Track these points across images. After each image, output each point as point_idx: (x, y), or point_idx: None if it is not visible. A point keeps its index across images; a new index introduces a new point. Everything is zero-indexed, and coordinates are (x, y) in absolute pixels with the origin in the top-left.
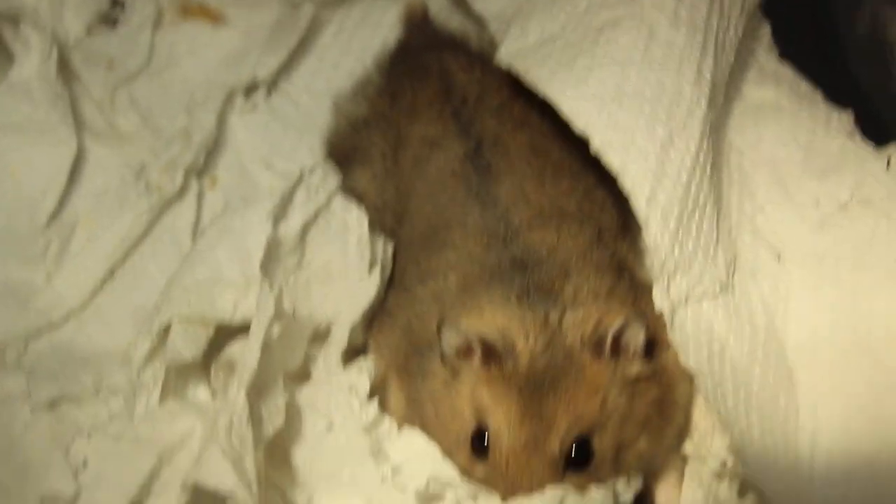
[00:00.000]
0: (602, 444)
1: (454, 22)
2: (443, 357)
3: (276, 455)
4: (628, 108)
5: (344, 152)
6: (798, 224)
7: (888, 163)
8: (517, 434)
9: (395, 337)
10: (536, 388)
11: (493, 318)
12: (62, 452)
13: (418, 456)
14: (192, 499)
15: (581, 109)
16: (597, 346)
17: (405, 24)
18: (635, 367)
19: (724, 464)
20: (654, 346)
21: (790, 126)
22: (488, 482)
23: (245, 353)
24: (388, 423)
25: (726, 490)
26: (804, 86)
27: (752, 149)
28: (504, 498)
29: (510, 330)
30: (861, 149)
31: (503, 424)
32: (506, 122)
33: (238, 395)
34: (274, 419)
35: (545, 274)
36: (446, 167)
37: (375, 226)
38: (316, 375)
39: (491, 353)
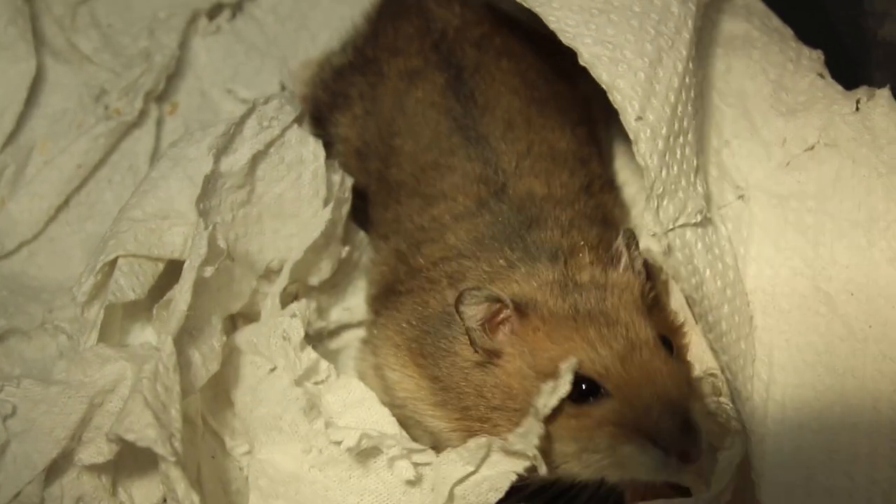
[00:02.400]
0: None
1: None
2: (471, 339)
3: (218, 399)
4: (616, 22)
5: (326, 102)
6: (763, 162)
7: (857, 105)
8: (616, 344)
9: (405, 314)
10: (587, 308)
11: (504, 289)
12: None
13: (356, 406)
14: (126, 446)
15: (568, 21)
16: (615, 260)
17: None
18: (648, 286)
19: (716, 389)
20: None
21: (760, 59)
22: (623, 408)
23: (175, 297)
24: (326, 371)
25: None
26: (775, 21)
27: (720, 79)
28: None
29: (524, 291)
30: (830, 89)
31: (597, 347)
32: (488, 50)
33: (165, 341)
34: (209, 364)
35: (540, 231)
36: (426, 99)
37: (342, 165)
38: (263, 316)
39: (520, 307)
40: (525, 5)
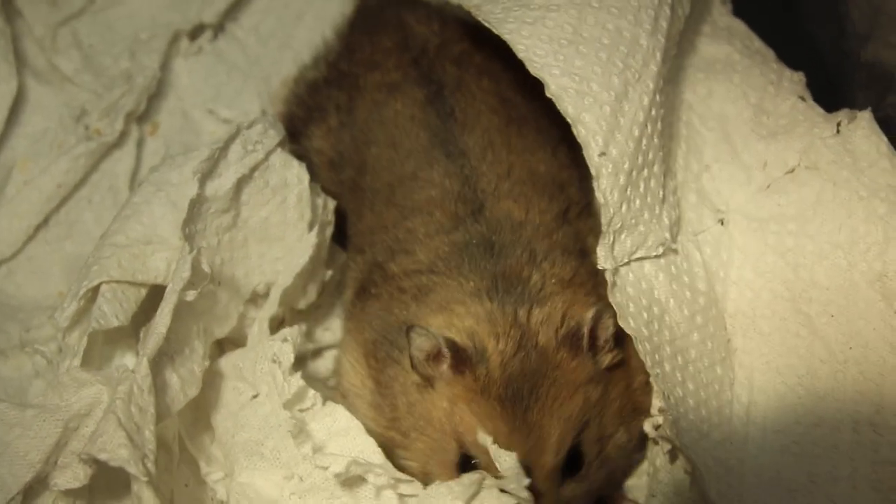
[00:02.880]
0: (588, 445)
1: None
2: (413, 363)
3: (198, 423)
4: (585, 54)
5: (301, 117)
6: (744, 185)
7: (838, 128)
8: (525, 446)
9: (370, 317)
10: (517, 399)
11: (462, 320)
12: None
13: (341, 435)
14: (101, 471)
15: (537, 51)
16: (573, 342)
17: None
18: (608, 358)
19: (656, 426)
20: (622, 335)
21: (741, 83)
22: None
23: (155, 319)
24: (312, 398)
25: (660, 454)
26: (757, 43)
27: (701, 103)
28: None
29: (479, 332)
30: (811, 111)
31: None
32: (468, 68)
33: (140, 362)
34: (188, 388)
35: (513, 259)
36: (405, 111)
37: (321, 184)
38: (249, 341)
39: (462, 359)
40: (495, 31)
